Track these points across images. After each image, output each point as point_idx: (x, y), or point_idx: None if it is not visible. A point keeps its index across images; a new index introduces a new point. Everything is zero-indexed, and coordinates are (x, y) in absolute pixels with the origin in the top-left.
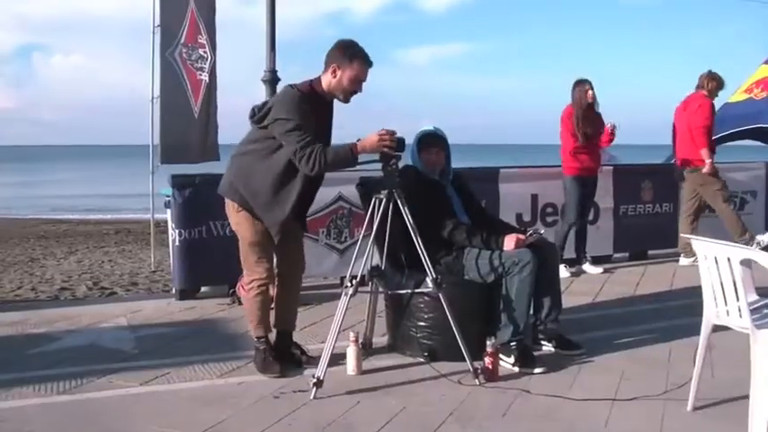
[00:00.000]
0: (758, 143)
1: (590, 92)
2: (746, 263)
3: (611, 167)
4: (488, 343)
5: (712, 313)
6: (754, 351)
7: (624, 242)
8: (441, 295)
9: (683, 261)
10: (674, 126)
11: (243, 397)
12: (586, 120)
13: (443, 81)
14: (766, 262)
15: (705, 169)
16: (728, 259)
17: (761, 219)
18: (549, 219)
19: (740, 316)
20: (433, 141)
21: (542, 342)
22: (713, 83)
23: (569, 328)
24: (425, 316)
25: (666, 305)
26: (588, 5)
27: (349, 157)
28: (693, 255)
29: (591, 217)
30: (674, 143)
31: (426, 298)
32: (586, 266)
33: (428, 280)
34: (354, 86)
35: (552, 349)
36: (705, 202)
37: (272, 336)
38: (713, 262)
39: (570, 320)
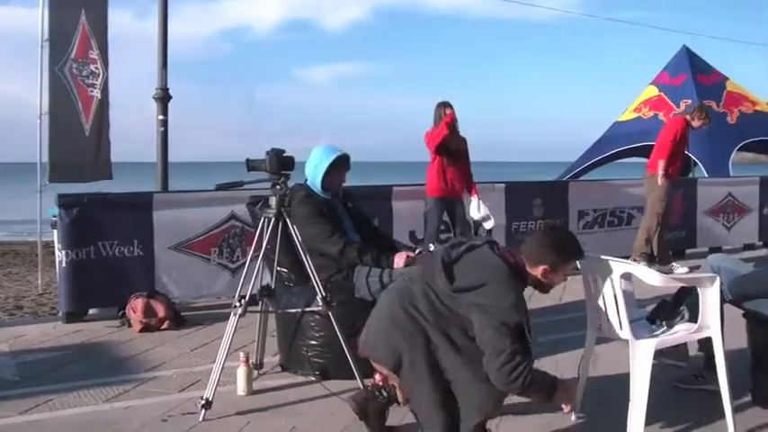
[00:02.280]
0: (646, 160)
1: (450, 112)
2: (627, 276)
3: (503, 185)
4: None
5: (595, 326)
6: (633, 361)
7: None
8: (330, 314)
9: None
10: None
11: (129, 422)
12: (450, 139)
13: (342, 99)
14: (645, 276)
15: (659, 180)
16: (610, 274)
17: None
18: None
19: (620, 328)
20: (344, 164)
21: None
22: (696, 112)
23: None
24: (316, 335)
25: (555, 319)
26: (488, 26)
27: (545, 390)
28: (668, 262)
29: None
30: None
31: (317, 317)
32: None
33: (318, 299)
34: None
35: None
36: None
37: None
38: (595, 276)
39: None
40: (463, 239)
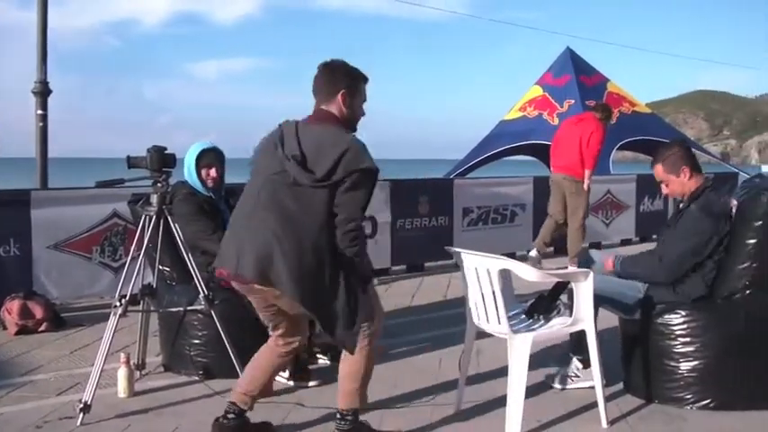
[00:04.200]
0: (530, 158)
1: None
2: (505, 272)
3: (388, 182)
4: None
5: (475, 321)
6: (510, 354)
7: (401, 255)
8: (213, 312)
9: (533, 253)
10: (557, 136)
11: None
12: None
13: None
14: (522, 272)
15: (585, 185)
16: (488, 270)
17: (528, 230)
18: None
19: (499, 323)
20: (211, 158)
21: (318, 355)
22: (602, 111)
23: None
24: (199, 333)
25: (440, 315)
26: (378, 23)
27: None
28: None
29: (370, 231)
30: (551, 148)
31: (199, 315)
32: None
33: (201, 297)
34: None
35: (328, 362)
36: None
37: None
38: (474, 272)
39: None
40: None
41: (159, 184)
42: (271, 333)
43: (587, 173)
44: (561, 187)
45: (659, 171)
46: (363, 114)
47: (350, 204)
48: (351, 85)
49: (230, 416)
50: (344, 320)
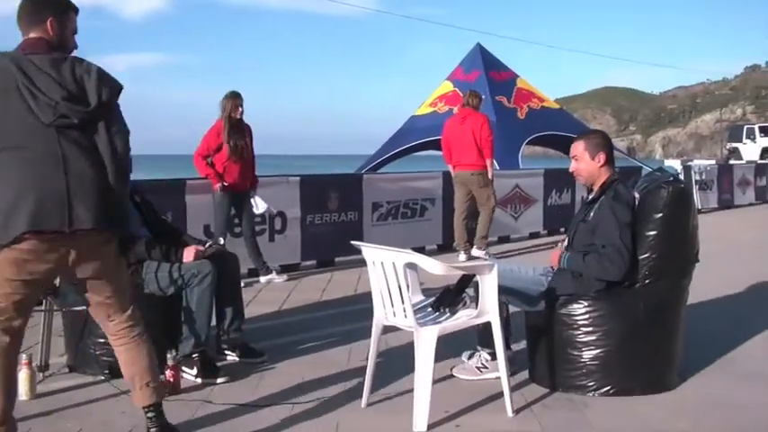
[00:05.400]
0: (441, 153)
1: (239, 108)
2: (412, 266)
3: (298, 178)
4: (169, 356)
5: (381, 315)
6: (417, 347)
7: (311, 250)
8: None
9: (476, 252)
10: (446, 138)
11: None
12: (235, 132)
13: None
14: (427, 265)
15: (489, 174)
16: (393, 264)
17: (438, 225)
18: (237, 229)
19: (405, 316)
20: None
21: (226, 352)
22: (476, 99)
23: (254, 337)
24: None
25: (349, 309)
26: (291, 19)
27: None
28: (485, 248)
29: (280, 227)
30: (446, 151)
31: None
32: (272, 276)
33: None
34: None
35: (236, 358)
36: (475, 204)
37: None
38: (380, 267)
39: (256, 329)
40: None
41: None
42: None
43: (489, 162)
44: (467, 183)
45: (580, 146)
46: (76, 46)
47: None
48: (60, 12)
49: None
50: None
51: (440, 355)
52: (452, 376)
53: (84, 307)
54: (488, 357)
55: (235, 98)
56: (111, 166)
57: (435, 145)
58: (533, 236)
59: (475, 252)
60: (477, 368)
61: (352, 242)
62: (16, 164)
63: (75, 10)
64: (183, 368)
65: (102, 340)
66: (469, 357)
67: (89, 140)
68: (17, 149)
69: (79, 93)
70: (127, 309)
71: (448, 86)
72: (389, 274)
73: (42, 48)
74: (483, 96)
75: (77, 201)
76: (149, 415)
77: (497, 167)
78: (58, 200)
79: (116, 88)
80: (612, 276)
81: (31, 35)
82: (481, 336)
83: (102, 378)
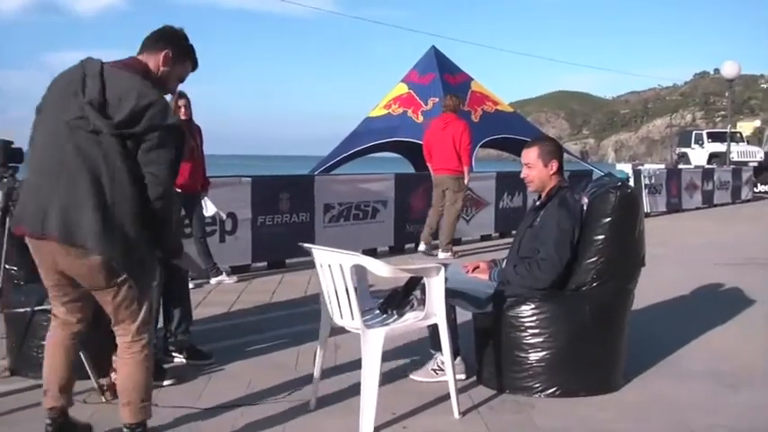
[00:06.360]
0: (395, 155)
1: (182, 108)
2: (360, 268)
3: (249, 179)
4: (114, 359)
5: (329, 317)
6: (364, 349)
7: (262, 252)
8: None
9: (442, 255)
10: (428, 142)
11: None
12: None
13: None
14: (374, 267)
15: (466, 181)
16: (341, 266)
17: (390, 226)
18: (187, 230)
19: (352, 318)
20: None
21: (173, 354)
22: (453, 101)
23: (202, 339)
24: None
25: (300, 311)
26: (245, 19)
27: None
28: (451, 251)
29: (230, 228)
30: (428, 153)
31: (48, 315)
32: (222, 277)
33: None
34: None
35: (183, 360)
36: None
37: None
38: (328, 269)
39: (204, 331)
40: None
41: (5, 180)
42: (54, 312)
43: (466, 169)
44: (443, 185)
45: (533, 153)
46: (173, 92)
47: (157, 163)
48: (179, 53)
49: (59, 420)
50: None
51: (395, 358)
52: (403, 378)
53: (27, 309)
54: (444, 360)
55: (177, 98)
56: (149, 188)
57: (389, 147)
58: (485, 238)
59: (441, 255)
60: (433, 370)
61: (300, 244)
62: (35, 156)
63: (195, 63)
64: None
65: (45, 343)
66: (426, 359)
67: (108, 154)
68: (41, 144)
69: (114, 104)
70: (124, 324)
71: (402, 88)
72: (337, 276)
73: (133, 68)
74: (460, 96)
75: (53, 208)
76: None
77: None
78: (35, 205)
79: (157, 121)
80: (542, 285)
81: (139, 57)
82: (434, 339)
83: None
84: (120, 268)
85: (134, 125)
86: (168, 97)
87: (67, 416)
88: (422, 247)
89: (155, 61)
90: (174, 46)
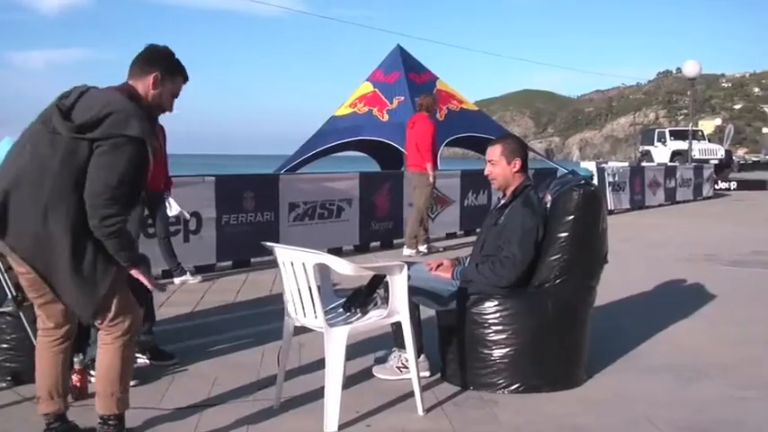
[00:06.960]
0: (360, 154)
1: None
2: (323, 267)
3: (213, 178)
4: (76, 360)
5: (293, 316)
6: (327, 348)
7: (227, 251)
8: (22, 314)
9: (407, 251)
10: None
11: None
12: None
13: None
14: (337, 265)
15: (430, 178)
16: (303, 264)
17: (355, 225)
18: (151, 230)
19: (315, 317)
20: None
21: (136, 354)
22: (426, 99)
23: (166, 339)
24: (7, 337)
25: (264, 310)
26: (215, 16)
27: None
28: (415, 248)
29: (195, 227)
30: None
31: (7, 318)
32: (187, 277)
33: (9, 298)
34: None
35: (147, 361)
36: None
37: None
38: (291, 267)
39: (168, 331)
40: None
41: None
42: (37, 317)
43: (429, 166)
44: (411, 181)
45: (497, 150)
46: (170, 109)
47: (103, 172)
48: (168, 72)
49: (54, 425)
50: (84, 298)
51: (359, 356)
52: (367, 376)
53: None
54: (408, 358)
55: None
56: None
57: (355, 145)
58: (450, 236)
59: (405, 251)
60: (398, 368)
61: (263, 243)
62: (11, 155)
63: (185, 77)
64: (91, 372)
65: (5, 346)
66: (391, 357)
67: (61, 157)
68: (25, 144)
69: (81, 111)
70: (92, 315)
71: (368, 87)
72: (299, 274)
73: (120, 90)
74: (432, 94)
75: (11, 211)
76: (98, 422)
77: None
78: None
79: (115, 129)
80: (505, 283)
81: (129, 82)
82: (397, 337)
83: (5, 385)
84: (43, 269)
85: (92, 130)
86: None
87: (66, 421)
88: (422, 248)
89: (143, 86)
90: (162, 67)
